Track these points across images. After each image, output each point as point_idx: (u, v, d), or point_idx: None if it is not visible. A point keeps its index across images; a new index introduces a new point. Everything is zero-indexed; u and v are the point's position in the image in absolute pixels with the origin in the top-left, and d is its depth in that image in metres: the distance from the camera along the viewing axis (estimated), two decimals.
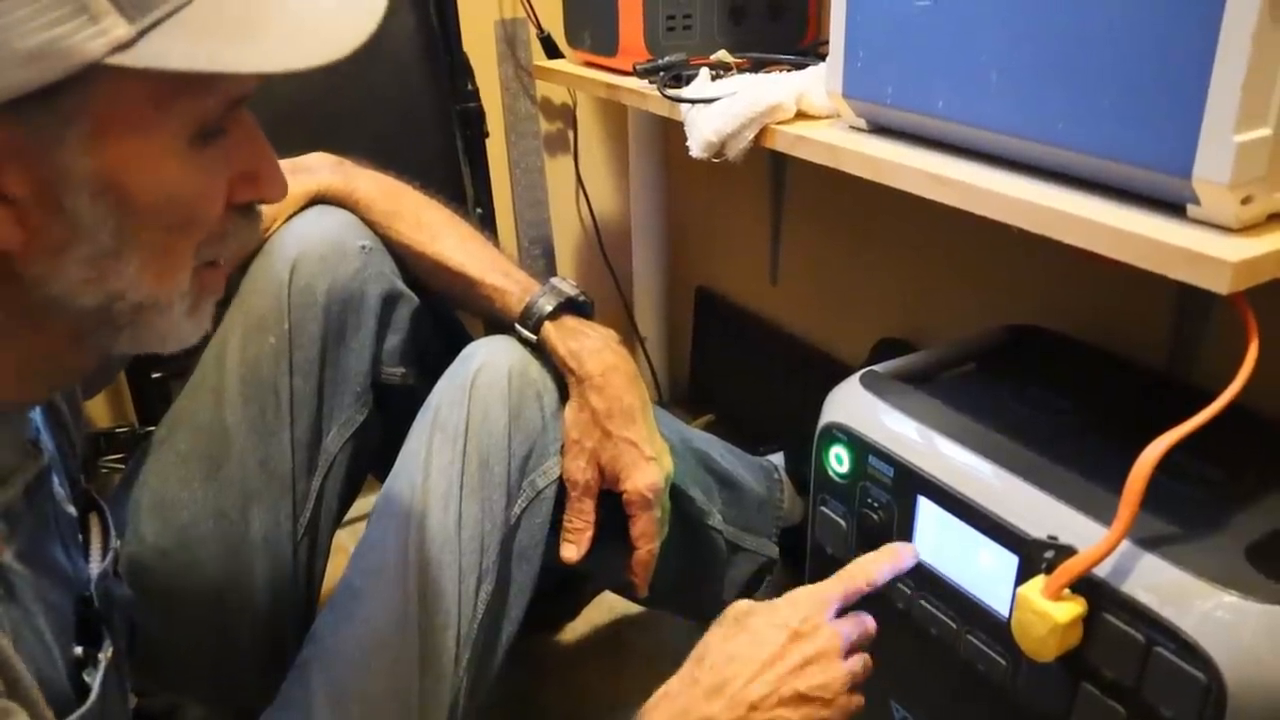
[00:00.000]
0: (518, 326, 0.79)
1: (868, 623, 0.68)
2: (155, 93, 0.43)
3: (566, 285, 0.79)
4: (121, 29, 0.39)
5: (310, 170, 0.82)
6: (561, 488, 0.78)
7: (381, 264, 0.82)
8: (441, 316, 0.88)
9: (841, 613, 0.67)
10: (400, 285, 0.83)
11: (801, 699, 0.62)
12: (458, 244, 0.82)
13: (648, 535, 0.78)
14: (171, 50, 0.40)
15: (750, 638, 0.64)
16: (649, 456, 0.77)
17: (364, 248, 0.81)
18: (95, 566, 0.59)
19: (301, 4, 0.43)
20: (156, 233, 0.46)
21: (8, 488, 0.50)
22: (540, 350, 0.79)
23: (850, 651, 0.65)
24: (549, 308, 0.78)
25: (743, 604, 0.67)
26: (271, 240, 0.79)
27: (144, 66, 0.39)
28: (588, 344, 0.77)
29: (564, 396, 0.78)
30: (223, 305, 0.78)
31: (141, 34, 0.39)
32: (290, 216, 0.80)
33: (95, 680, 0.53)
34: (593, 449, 0.77)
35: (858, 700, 0.65)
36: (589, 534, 0.78)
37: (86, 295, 0.45)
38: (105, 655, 0.55)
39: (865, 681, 0.66)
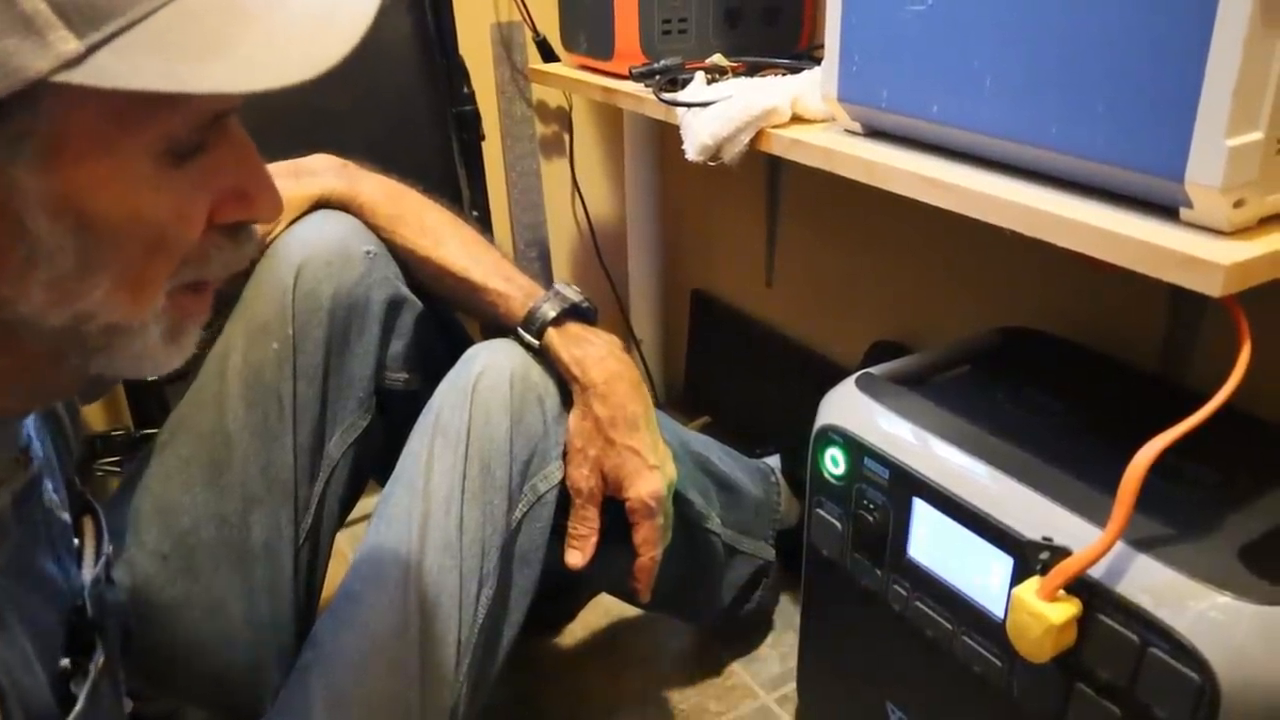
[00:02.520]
0: (520, 331, 0.79)
1: None
2: (114, 110, 0.40)
3: (570, 291, 0.80)
4: (70, 45, 0.36)
5: (314, 173, 0.82)
6: (562, 492, 0.78)
7: (386, 269, 0.82)
8: (444, 321, 0.88)
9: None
10: (404, 290, 0.83)
11: None
12: (461, 248, 0.82)
13: (650, 542, 0.79)
14: (124, 68, 0.37)
15: None
16: (652, 465, 0.77)
17: (368, 253, 0.80)
18: (89, 573, 0.58)
19: (281, 17, 0.40)
20: (126, 254, 0.43)
21: None
22: (542, 356, 0.79)
23: None
24: (552, 314, 0.78)
25: None
26: (275, 245, 0.79)
27: (93, 85, 0.36)
28: (591, 351, 0.77)
29: (565, 401, 0.79)
30: (225, 310, 0.78)
31: (92, 50, 0.36)
32: (294, 221, 0.80)
33: (82, 691, 0.52)
34: (596, 456, 0.77)
35: None
36: (594, 540, 0.79)
37: (53, 316, 0.43)
38: (96, 664, 0.54)
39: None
